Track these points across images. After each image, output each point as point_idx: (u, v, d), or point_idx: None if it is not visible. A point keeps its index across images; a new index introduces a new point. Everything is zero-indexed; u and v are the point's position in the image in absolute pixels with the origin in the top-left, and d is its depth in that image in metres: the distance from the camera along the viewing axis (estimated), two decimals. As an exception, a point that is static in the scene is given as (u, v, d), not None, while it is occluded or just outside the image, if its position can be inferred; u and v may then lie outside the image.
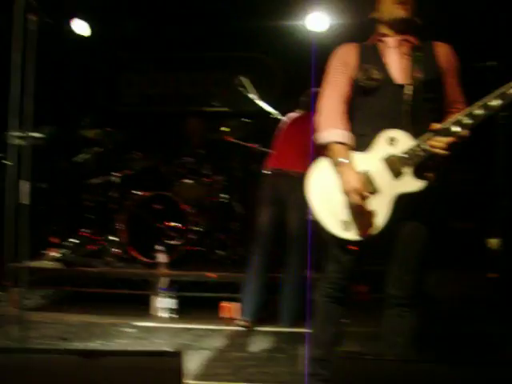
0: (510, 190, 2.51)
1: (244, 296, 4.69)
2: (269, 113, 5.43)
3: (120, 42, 7.40)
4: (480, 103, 2.42)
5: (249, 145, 5.88)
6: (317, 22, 6.49)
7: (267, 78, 7.52)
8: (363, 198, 2.52)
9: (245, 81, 5.60)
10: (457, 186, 6.23)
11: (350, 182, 2.55)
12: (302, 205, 2.83)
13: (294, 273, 4.60)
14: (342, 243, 2.62)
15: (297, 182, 4.42)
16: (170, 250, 5.47)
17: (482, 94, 2.45)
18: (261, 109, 5.50)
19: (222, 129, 5.82)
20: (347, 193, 2.56)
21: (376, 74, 2.66)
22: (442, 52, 2.75)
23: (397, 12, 2.68)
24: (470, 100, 2.59)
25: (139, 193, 5.83)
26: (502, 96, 2.40)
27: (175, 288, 5.09)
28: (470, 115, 2.44)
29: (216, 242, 6.00)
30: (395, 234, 2.66)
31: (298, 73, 6.56)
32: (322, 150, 2.72)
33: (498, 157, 2.40)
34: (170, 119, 7.08)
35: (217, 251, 5.94)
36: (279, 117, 5.23)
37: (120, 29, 7.04)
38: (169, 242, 5.58)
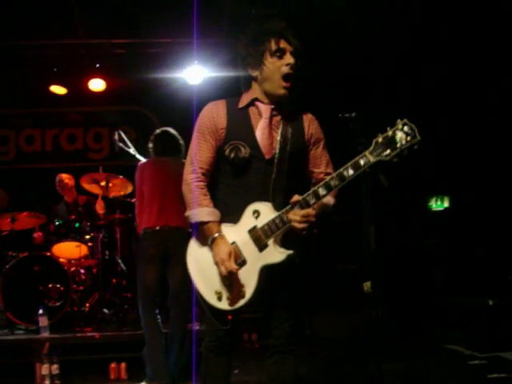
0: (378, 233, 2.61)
1: (152, 357, 4.40)
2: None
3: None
4: (335, 174, 2.51)
5: (130, 200, 5.81)
6: (194, 75, 6.66)
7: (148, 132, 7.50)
8: (230, 270, 2.55)
9: (124, 135, 5.57)
10: (340, 229, 6.45)
11: (218, 254, 2.59)
12: (184, 259, 2.81)
13: (178, 327, 4.50)
14: (216, 312, 2.65)
15: (181, 238, 4.41)
16: (51, 312, 5.23)
17: (348, 143, 2.55)
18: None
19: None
20: (217, 264, 2.60)
21: (244, 153, 2.65)
22: (309, 123, 2.79)
23: (281, 91, 2.66)
24: (339, 151, 2.69)
25: (14, 254, 5.58)
26: (354, 166, 2.48)
27: (57, 352, 4.82)
28: (326, 186, 2.53)
29: (100, 301, 5.79)
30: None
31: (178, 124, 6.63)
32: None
33: (365, 201, 2.50)
34: (49, 176, 6.81)
35: (101, 310, 5.74)
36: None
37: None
38: (49, 303, 5.35)
